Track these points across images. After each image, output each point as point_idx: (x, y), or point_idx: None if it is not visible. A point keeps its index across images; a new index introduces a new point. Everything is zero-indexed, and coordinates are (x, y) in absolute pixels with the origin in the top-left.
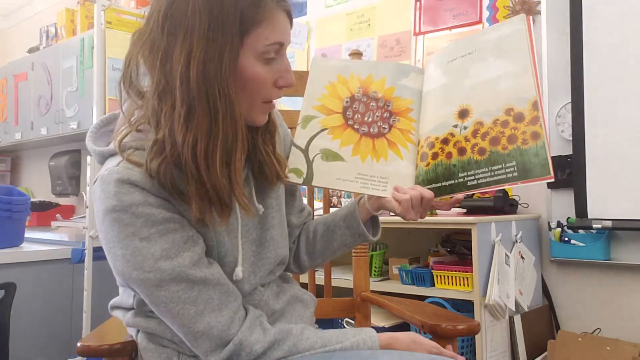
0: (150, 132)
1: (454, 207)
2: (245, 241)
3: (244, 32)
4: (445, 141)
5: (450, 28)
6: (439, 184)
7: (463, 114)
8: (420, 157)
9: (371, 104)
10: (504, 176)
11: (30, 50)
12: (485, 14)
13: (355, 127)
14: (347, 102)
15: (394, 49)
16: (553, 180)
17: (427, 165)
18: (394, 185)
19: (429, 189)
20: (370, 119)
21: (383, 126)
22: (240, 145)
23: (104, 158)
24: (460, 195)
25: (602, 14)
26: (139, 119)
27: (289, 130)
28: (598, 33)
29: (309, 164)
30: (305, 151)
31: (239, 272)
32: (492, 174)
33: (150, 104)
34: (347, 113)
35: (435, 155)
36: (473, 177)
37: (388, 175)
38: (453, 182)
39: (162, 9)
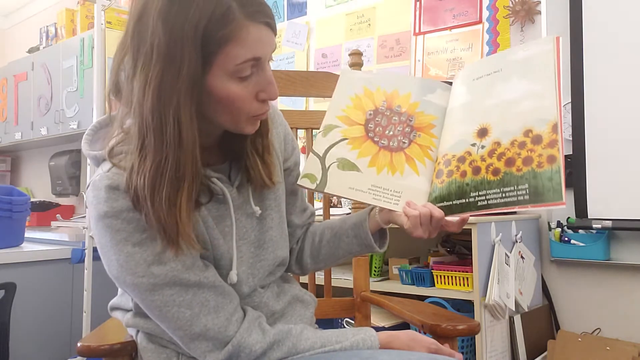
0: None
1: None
2: (244, 243)
3: (210, 54)
4: (461, 159)
5: (450, 28)
6: (451, 202)
7: (482, 133)
8: (436, 174)
9: (394, 118)
10: (515, 198)
11: (31, 50)
12: (485, 14)
13: (376, 139)
14: (370, 114)
15: (394, 49)
16: (565, 206)
17: (442, 182)
18: (406, 200)
19: (440, 206)
20: (391, 133)
21: (403, 140)
22: (190, 178)
23: (98, 162)
24: (467, 215)
25: (602, 14)
26: (130, 126)
27: (290, 129)
28: (598, 33)
29: (324, 170)
30: (322, 158)
31: (233, 275)
32: (503, 195)
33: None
34: (369, 125)
35: (450, 173)
36: (484, 198)
37: (402, 190)
38: (464, 201)
39: (132, 25)
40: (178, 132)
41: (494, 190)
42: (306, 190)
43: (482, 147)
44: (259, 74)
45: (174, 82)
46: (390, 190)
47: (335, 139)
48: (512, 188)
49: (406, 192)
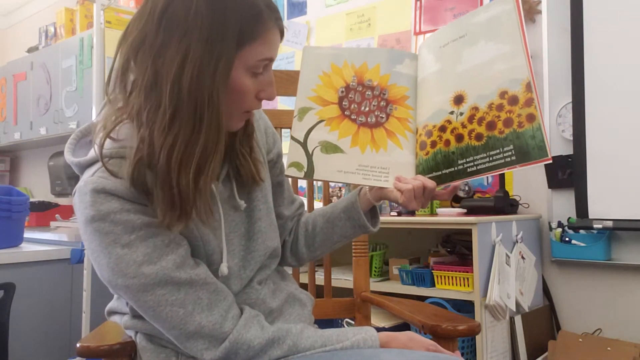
0: (128, 140)
1: (455, 207)
2: (235, 236)
3: (239, 45)
4: (442, 129)
5: None
6: (439, 172)
7: (458, 99)
8: (420, 146)
9: (367, 92)
10: (502, 160)
11: (30, 50)
12: None
13: (353, 117)
14: (342, 92)
15: (394, 49)
16: (551, 161)
17: (427, 154)
18: (395, 175)
19: (429, 177)
20: (367, 109)
21: (380, 115)
22: (220, 154)
23: (82, 169)
24: (458, 183)
25: (602, 13)
26: (118, 118)
27: (271, 122)
28: (599, 33)
29: (309, 157)
30: (304, 144)
31: (223, 268)
32: (491, 159)
33: (136, 100)
34: (343, 103)
35: (434, 144)
36: (472, 164)
37: (389, 166)
38: (453, 169)
39: (160, 4)
40: (212, 111)
41: (481, 155)
42: (296, 179)
43: (461, 113)
44: (265, 73)
45: (214, 65)
46: (378, 168)
47: (313, 122)
48: (498, 151)
49: (393, 167)
